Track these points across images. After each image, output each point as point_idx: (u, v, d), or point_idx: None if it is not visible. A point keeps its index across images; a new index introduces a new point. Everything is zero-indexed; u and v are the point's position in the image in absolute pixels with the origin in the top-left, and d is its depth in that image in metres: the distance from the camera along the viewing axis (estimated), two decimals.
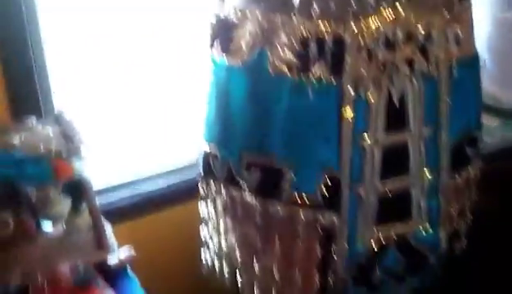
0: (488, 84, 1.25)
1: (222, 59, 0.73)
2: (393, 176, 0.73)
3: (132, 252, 0.92)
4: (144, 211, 1.19)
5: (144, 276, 0.89)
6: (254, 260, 0.79)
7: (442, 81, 0.71)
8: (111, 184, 1.18)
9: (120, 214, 1.12)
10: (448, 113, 0.73)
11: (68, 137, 0.90)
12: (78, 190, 0.94)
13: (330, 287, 0.76)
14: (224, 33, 0.73)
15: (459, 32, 0.72)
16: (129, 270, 0.91)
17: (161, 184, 1.22)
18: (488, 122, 1.15)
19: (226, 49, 0.73)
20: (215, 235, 0.86)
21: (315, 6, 0.65)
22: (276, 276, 0.77)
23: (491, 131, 1.09)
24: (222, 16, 0.74)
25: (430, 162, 0.74)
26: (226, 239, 0.83)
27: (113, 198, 1.17)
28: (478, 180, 0.83)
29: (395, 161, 0.72)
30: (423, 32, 0.68)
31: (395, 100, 0.69)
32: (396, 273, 0.77)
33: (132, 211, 1.17)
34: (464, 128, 0.77)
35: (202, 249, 0.91)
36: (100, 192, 0.96)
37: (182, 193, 1.19)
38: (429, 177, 0.74)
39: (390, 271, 0.77)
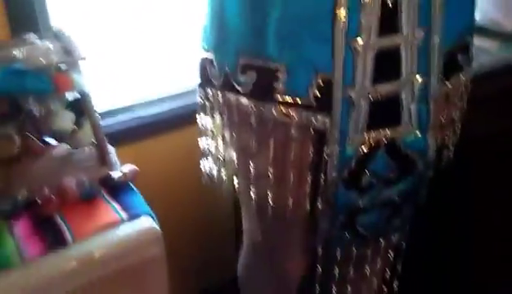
0: (491, 9, 1.26)
1: None
2: (385, 81, 0.74)
3: (136, 168, 0.96)
4: (145, 135, 1.22)
5: (146, 193, 0.93)
6: (250, 164, 0.82)
7: None
8: (112, 108, 1.21)
9: (121, 137, 1.16)
10: (442, 18, 0.73)
11: (68, 52, 0.91)
12: (79, 106, 0.97)
13: (321, 189, 0.80)
14: None
15: None
16: (133, 185, 0.95)
17: (162, 108, 1.25)
18: (489, 44, 1.16)
19: None
20: (213, 143, 0.89)
21: None
22: (271, 178, 0.81)
23: (492, 52, 1.10)
24: None
25: (421, 67, 0.75)
26: (223, 146, 0.87)
27: (113, 121, 1.20)
28: (468, 90, 0.85)
29: (387, 65, 0.73)
30: None
31: (389, 1, 0.69)
32: (384, 178, 0.80)
33: (133, 134, 1.21)
34: (457, 34, 0.78)
35: (201, 161, 0.94)
36: (101, 115, 0.98)
37: (182, 118, 1.22)
38: (420, 82, 0.75)
39: (379, 175, 0.80)
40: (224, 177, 0.91)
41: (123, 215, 0.86)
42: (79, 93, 0.94)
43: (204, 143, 0.92)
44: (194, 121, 0.94)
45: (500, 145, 1.07)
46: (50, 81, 0.88)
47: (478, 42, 1.13)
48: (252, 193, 0.85)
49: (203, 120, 0.90)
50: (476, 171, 1.08)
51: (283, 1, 0.69)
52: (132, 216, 0.85)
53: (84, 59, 0.91)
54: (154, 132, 1.22)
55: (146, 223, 0.85)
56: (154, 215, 0.87)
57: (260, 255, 0.98)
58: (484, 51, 1.11)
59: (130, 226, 0.84)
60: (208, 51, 0.82)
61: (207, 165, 0.93)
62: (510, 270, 1.52)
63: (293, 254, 0.95)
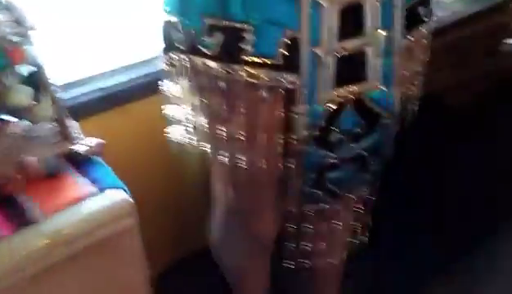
0: None
1: None
2: (350, 36, 0.74)
3: (101, 140, 0.94)
4: (108, 107, 1.19)
5: (115, 166, 0.91)
6: (222, 129, 0.81)
7: None
8: (71, 81, 1.17)
9: (83, 110, 1.12)
10: None
11: (19, 23, 0.86)
12: (36, 80, 0.92)
13: (292, 148, 0.81)
14: None
15: None
16: (100, 158, 0.93)
17: (124, 78, 1.21)
18: None
19: None
20: (182, 110, 0.88)
21: None
22: (243, 142, 0.81)
23: (445, 6, 1.12)
24: None
25: (385, 22, 0.76)
26: (193, 112, 0.86)
27: (73, 94, 1.16)
28: (429, 43, 0.86)
29: (352, 20, 0.73)
30: None
31: None
32: (352, 133, 0.82)
33: (96, 106, 1.17)
34: None
35: (169, 129, 0.92)
36: (60, 88, 0.94)
37: (145, 87, 1.19)
38: (384, 37, 0.76)
39: (347, 131, 0.81)
40: (195, 144, 0.90)
41: (93, 188, 0.84)
42: (34, 66, 0.90)
43: (171, 111, 0.91)
44: (158, 89, 0.92)
45: (457, 97, 1.11)
46: (3, 53, 0.83)
47: None
48: (224, 158, 0.84)
49: (169, 87, 0.88)
50: (436, 122, 1.11)
51: None
52: (103, 189, 0.83)
53: (35, 29, 0.87)
54: (117, 103, 1.18)
55: (118, 195, 0.84)
56: (125, 186, 0.86)
57: (233, 219, 0.99)
58: (439, 4, 1.13)
59: (101, 199, 0.83)
60: (171, 13, 0.79)
61: (176, 133, 0.92)
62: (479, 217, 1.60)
63: (266, 215, 0.96)
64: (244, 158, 0.83)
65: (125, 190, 0.85)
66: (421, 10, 0.81)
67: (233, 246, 1.05)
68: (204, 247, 1.12)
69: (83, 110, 1.10)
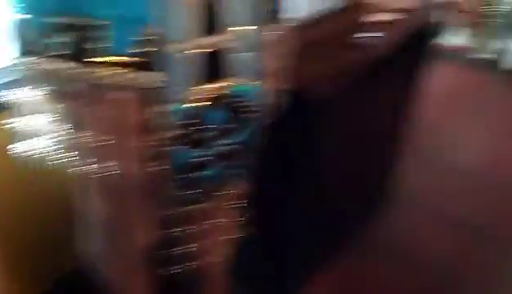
0: None
1: None
2: (212, 33, 0.74)
3: None
4: None
5: None
6: (84, 136, 0.76)
7: None
8: None
9: None
10: None
11: None
12: None
13: (160, 148, 0.78)
14: None
15: None
16: None
17: None
18: None
19: None
20: (38, 120, 0.80)
21: None
22: (108, 148, 0.76)
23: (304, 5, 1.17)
24: None
25: (246, 18, 0.77)
26: (51, 120, 0.78)
27: None
28: (290, 39, 0.89)
29: (210, 18, 0.73)
30: None
31: None
32: (221, 130, 0.82)
33: None
34: None
35: (20, 144, 0.83)
36: None
37: None
38: (246, 32, 0.77)
39: (215, 128, 0.81)
40: (55, 156, 0.82)
41: None
42: None
43: (24, 123, 0.82)
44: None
45: (320, 89, 1.16)
46: None
47: None
48: (89, 168, 0.79)
49: (21, 96, 0.80)
50: (309, 114, 1.16)
51: None
52: None
53: None
54: None
55: None
56: None
57: (106, 232, 0.93)
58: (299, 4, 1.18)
59: None
60: (22, 13, 0.71)
61: (30, 146, 0.83)
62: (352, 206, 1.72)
63: (140, 223, 0.92)
64: (112, 164, 0.78)
65: None
66: (276, 6, 0.83)
67: (111, 259, 0.99)
68: (77, 266, 1.04)
69: None
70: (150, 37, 0.69)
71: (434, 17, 1.70)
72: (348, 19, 1.17)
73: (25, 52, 0.74)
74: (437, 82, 3.31)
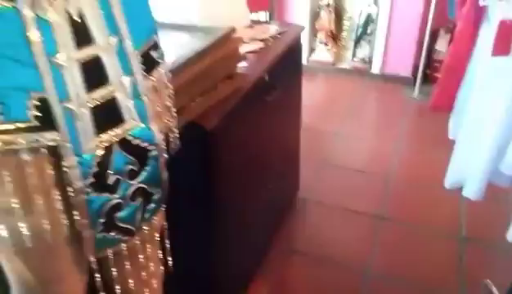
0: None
1: None
2: (97, 87, 0.83)
3: None
4: None
5: None
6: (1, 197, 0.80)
7: None
8: None
9: None
10: (126, 25, 0.86)
11: None
12: None
13: (72, 200, 0.84)
14: None
15: None
16: None
17: None
18: (182, 38, 1.38)
19: None
20: None
21: None
22: (19, 210, 0.81)
23: (183, 44, 1.31)
24: None
25: (125, 69, 0.86)
26: None
27: None
28: (170, 79, 1.01)
29: (94, 73, 0.82)
30: None
31: (75, 17, 0.78)
32: (127, 171, 0.89)
33: None
34: (145, 35, 0.92)
35: None
36: None
37: None
38: (128, 82, 0.87)
39: (122, 171, 0.89)
40: None
41: None
42: None
43: None
44: None
45: (211, 120, 1.29)
46: None
47: (174, 37, 1.35)
48: (4, 233, 0.82)
49: None
50: (203, 143, 1.28)
51: None
52: None
53: None
54: None
55: None
56: None
57: (34, 290, 0.95)
58: (178, 44, 1.31)
59: None
60: None
61: None
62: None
63: (68, 276, 0.96)
64: (26, 226, 0.82)
65: None
66: (154, 54, 0.95)
67: None
68: None
69: None
70: (41, 100, 0.77)
71: (296, 40, 1.95)
72: (221, 52, 1.32)
73: None
74: (315, 93, 3.67)
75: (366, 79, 3.68)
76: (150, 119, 0.92)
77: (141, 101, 0.90)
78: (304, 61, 3.59)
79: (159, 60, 0.97)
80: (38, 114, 0.77)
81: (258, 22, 2.11)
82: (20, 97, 0.75)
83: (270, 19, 3.30)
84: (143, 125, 0.91)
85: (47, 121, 0.78)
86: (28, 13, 0.73)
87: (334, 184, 2.55)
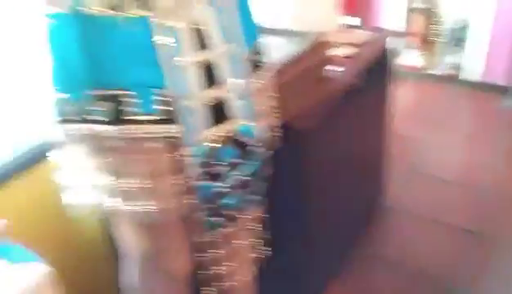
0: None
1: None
2: (211, 87, 0.94)
3: (4, 220, 0.98)
4: None
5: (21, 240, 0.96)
6: (127, 182, 0.93)
7: (231, 7, 0.94)
8: None
9: None
10: (240, 33, 0.97)
11: None
12: None
13: (185, 186, 0.96)
14: None
15: None
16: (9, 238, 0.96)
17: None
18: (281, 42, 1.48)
19: None
20: (81, 174, 0.97)
21: None
22: (147, 190, 0.93)
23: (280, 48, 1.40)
24: None
25: (235, 72, 0.97)
26: (94, 173, 0.95)
27: None
28: (272, 81, 1.10)
29: (209, 74, 0.93)
30: None
31: (197, 25, 0.90)
32: (233, 163, 1.00)
33: None
34: (252, 41, 1.03)
35: (63, 195, 1.00)
36: None
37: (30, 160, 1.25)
38: (237, 84, 0.97)
39: (228, 162, 0.99)
40: (92, 204, 0.99)
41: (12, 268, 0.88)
42: None
43: (66, 176, 0.99)
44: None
45: (308, 120, 1.36)
46: None
47: (272, 41, 1.44)
48: (135, 207, 0.95)
49: (64, 154, 0.97)
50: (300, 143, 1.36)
51: (111, 38, 0.84)
52: (22, 266, 0.88)
53: None
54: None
55: (39, 268, 0.88)
56: (39, 258, 0.91)
57: (150, 264, 1.09)
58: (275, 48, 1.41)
59: (24, 275, 0.87)
60: (61, 91, 0.90)
61: (72, 197, 0.99)
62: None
63: (180, 251, 1.08)
64: (152, 203, 0.95)
65: (42, 262, 0.90)
66: (258, 57, 1.05)
67: (152, 291, 1.13)
68: None
69: None
70: (167, 98, 0.89)
71: (385, 45, 1.96)
72: (314, 56, 1.38)
73: (66, 121, 0.92)
74: (404, 98, 3.58)
75: (457, 86, 3.54)
76: (256, 118, 1.02)
77: (249, 101, 1.00)
78: (394, 66, 3.55)
79: (263, 64, 1.06)
80: (163, 108, 0.89)
81: (349, 26, 2.15)
82: (150, 93, 0.88)
83: (361, 23, 3.30)
84: (249, 123, 1.00)
85: (170, 114, 0.90)
86: (157, 21, 0.85)
87: (423, 193, 2.48)
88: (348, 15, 2.78)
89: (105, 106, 0.88)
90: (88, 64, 0.86)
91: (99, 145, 0.91)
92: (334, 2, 1.96)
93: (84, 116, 0.90)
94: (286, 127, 1.31)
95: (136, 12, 0.84)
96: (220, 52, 0.94)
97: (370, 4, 3.64)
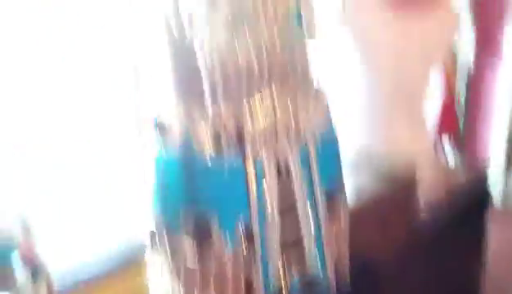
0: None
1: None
2: (289, 228, 1.01)
3: None
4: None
5: None
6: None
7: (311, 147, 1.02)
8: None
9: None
10: (319, 174, 1.04)
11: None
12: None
13: None
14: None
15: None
16: None
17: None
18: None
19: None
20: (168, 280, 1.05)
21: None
22: None
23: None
24: None
25: (313, 216, 1.04)
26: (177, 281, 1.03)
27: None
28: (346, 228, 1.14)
29: (289, 217, 1.01)
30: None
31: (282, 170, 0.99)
32: None
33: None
34: (333, 181, 1.09)
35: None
36: None
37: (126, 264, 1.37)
38: (314, 228, 1.04)
39: None
40: None
41: None
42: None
43: (157, 282, 1.08)
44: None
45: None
46: None
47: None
48: None
49: (156, 261, 1.06)
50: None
51: (205, 180, 0.96)
52: None
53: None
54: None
55: None
56: None
57: None
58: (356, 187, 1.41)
59: None
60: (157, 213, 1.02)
61: None
62: None
63: None
64: None
65: None
66: (338, 198, 1.10)
67: None
68: None
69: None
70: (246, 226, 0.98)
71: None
72: (399, 199, 1.38)
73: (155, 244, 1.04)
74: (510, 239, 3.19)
75: None
76: (326, 263, 1.07)
77: (322, 247, 1.06)
78: (498, 203, 3.23)
79: (342, 205, 1.12)
80: (243, 241, 0.98)
81: (441, 155, 1.99)
82: (234, 222, 0.97)
83: (456, 148, 2.73)
84: (319, 268, 1.05)
85: (248, 246, 0.98)
86: (251, 171, 0.97)
87: None
88: (445, 133, 2.33)
89: (193, 227, 0.97)
90: (187, 194, 0.97)
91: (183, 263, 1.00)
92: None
93: (176, 233, 0.99)
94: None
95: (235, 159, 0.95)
96: (301, 197, 1.02)
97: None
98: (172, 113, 0.98)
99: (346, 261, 1.16)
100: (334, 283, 1.09)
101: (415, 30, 1.46)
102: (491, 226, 2.04)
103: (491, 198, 1.99)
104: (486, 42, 2.98)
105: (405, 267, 1.37)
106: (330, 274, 1.07)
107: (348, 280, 1.16)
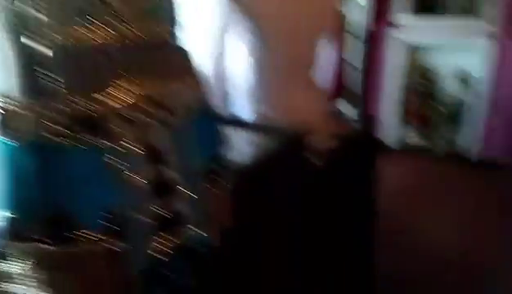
0: None
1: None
2: (163, 198, 0.99)
3: None
4: None
5: None
6: None
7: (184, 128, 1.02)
8: None
9: None
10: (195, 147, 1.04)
11: None
12: None
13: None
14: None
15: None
16: None
17: None
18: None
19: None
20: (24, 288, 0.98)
21: None
22: None
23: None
24: None
25: (189, 184, 1.02)
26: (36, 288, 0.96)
27: None
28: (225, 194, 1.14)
29: (161, 187, 0.99)
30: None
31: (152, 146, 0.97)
32: (183, 269, 1.03)
33: None
34: (211, 153, 1.10)
35: None
36: None
37: None
38: (189, 194, 1.02)
39: (179, 268, 1.03)
40: None
41: None
42: None
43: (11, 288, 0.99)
44: None
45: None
46: None
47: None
48: None
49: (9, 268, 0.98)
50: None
51: (63, 164, 0.91)
52: None
53: None
54: None
55: None
56: None
57: None
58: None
59: None
60: (12, 212, 0.94)
61: None
62: None
63: None
64: None
65: None
66: (217, 166, 1.12)
67: None
68: None
69: None
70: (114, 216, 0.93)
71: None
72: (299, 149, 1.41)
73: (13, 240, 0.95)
74: (401, 178, 3.53)
75: (462, 166, 3.49)
76: (205, 226, 1.05)
77: (199, 211, 1.03)
78: (393, 145, 3.54)
79: (222, 172, 1.12)
80: (110, 226, 0.94)
81: (338, 114, 2.13)
82: (97, 212, 0.93)
83: (353, 106, 3.06)
84: (198, 231, 1.03)
85: (117, 229, 0.94)
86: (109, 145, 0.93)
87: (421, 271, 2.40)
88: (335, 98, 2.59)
89: (53, 228, 0.92)
90: (42, 190, 0.92)
91: (42, 262, 0.94)
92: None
93: (35, 237, 0.93)
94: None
95: (88, 140, 0.91)
96: (172, 167, 0.99)
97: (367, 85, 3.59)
98: (21, 104, 0.92)
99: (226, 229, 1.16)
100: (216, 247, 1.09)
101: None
102: (383, 166, 2.16)
103: (383, 143, 2.11)
104: (380, 11, 3.22)
105: (302, 210, 1.41)
106: (211, 239, 1.06)
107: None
